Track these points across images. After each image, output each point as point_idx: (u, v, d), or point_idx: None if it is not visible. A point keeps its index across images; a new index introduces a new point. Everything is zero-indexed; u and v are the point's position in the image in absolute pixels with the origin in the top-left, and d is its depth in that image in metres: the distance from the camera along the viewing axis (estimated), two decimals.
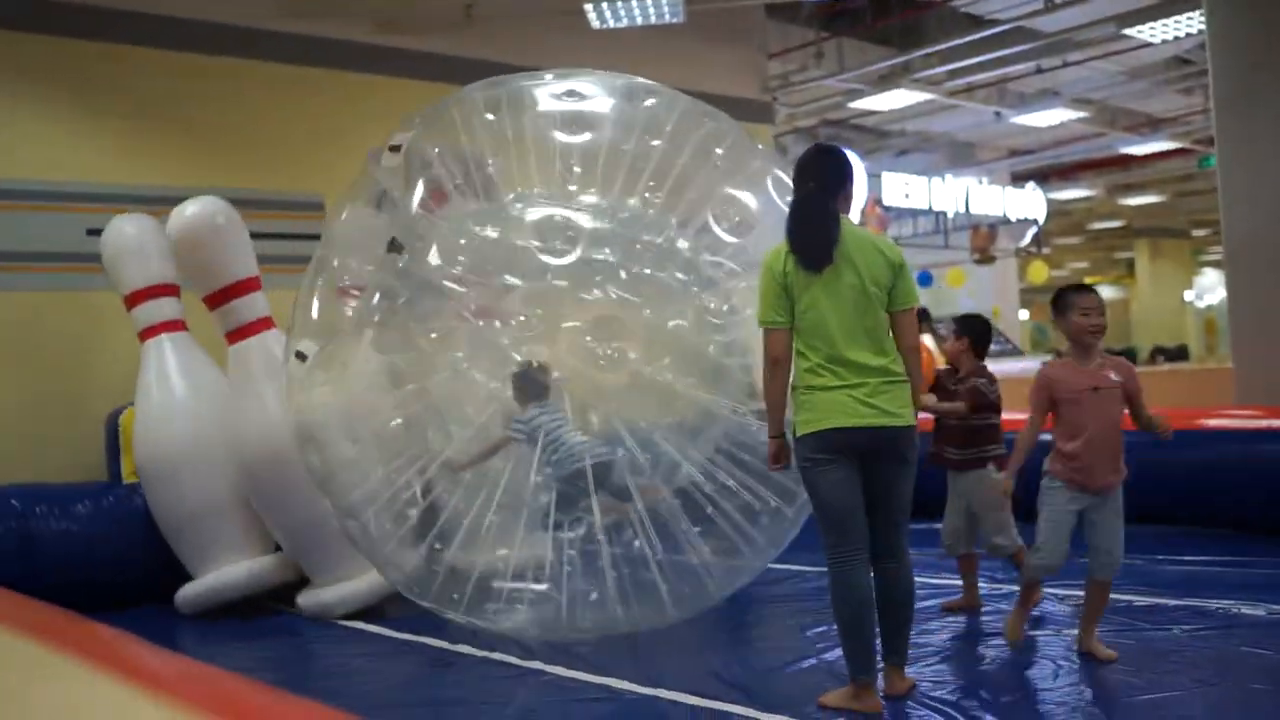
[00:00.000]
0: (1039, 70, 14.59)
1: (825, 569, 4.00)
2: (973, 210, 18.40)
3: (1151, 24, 11.63)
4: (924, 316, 9.40)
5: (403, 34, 8.68)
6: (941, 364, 10.80)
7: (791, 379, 4.02)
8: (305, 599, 6.10)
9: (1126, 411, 4.36)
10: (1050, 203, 20.80)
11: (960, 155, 20.16)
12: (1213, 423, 7.00)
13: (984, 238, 19.66)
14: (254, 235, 6.47)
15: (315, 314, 5.22)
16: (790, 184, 4.30)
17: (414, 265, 4.97)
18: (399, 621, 5.70)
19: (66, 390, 7.09)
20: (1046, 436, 4.43)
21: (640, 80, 5.36)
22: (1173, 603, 5.12)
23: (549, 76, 5.30)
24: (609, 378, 5.01)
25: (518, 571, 4.88)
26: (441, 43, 8.78)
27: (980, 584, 5.45)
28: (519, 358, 5.00)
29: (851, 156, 4.32)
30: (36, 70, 7.23)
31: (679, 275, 5.04)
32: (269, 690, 1.54)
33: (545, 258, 4.89)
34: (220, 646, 5.52)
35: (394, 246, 4.97)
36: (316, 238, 5.48)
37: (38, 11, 7.24)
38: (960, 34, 12.52)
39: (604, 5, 9.22)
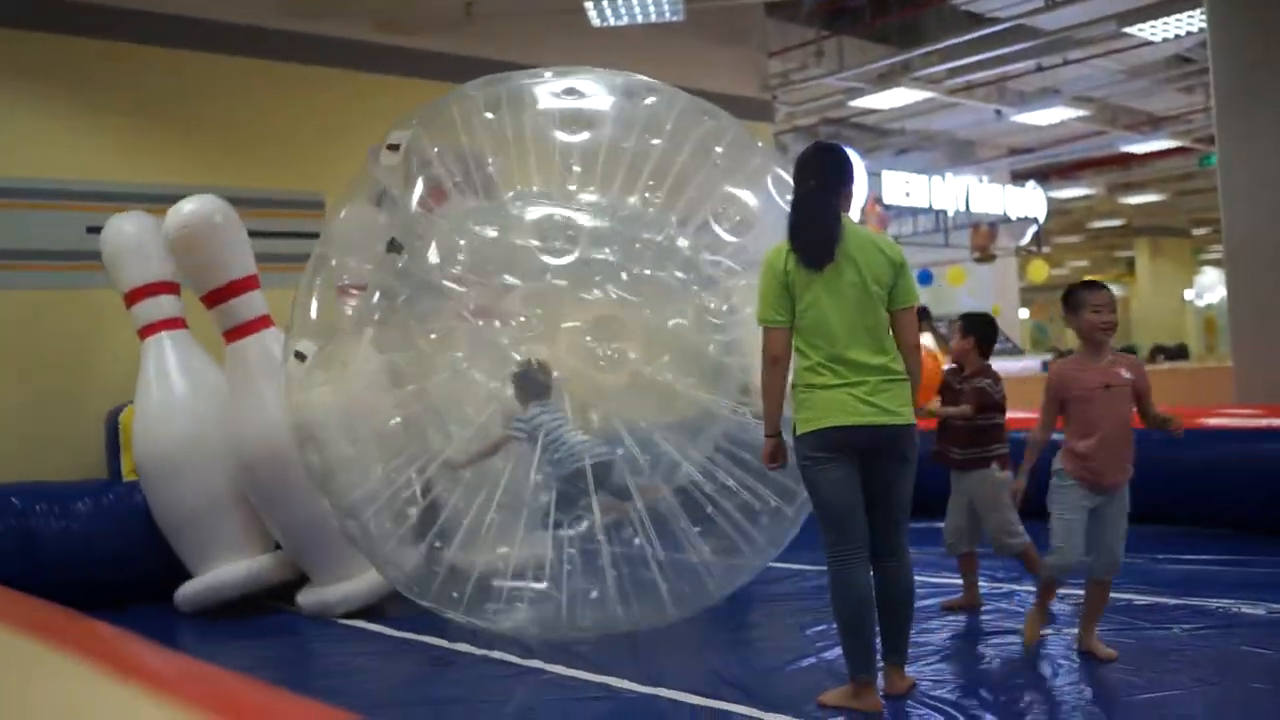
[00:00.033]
0: (1039, 68, 14.59)
1: (825, 568, 4.00)
2: (973, 209, 18.40)
3: (1152, 22, 11.64)
4: (924, 315, 9.39)
5: (403, 33, 8.67)
6: (941, 362, 10.79)
7: (791, 377, 4.02)
8: (305, 597, 6.10)
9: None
10: (1050, 201, 20.80)
11: (960, 154, 20.16)
12: (1213, 422, 7.00)
13: (984, 236, 19.65)
14: (255, 234, 6.46)
15: (314, 313, 5.22)
16: (790, 182, 4.30)
17: (413, 265, 4.96)
18: (399, 620, 5.70)
19: (66, 389, 7.09)
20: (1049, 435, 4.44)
21: (640, 78, 5.36)
22: (1173, 602, 5.12)
23: (548, 74, 5.30)
24: (609, 378, 5.01)
25: (518, 570, 4.88)
26: (442, 41, 8.78)
27: (980, 583, 5.44)
28: (519, 357, 5.00)
29: (852, 155, 4.32)
30: (36, 68, 7.22)
31: (679, 274, 5.04)
32: (269, 689, 1.53)
33: (545, 257, 4.89)
34: (220, 645, 5.52)
35: (393, 247, 4.97)
36: (317, 236, 5.48)
37: (38, 9, 7.24)
38: (960, 32, 12.51)
39: (604, 3, 9.22)
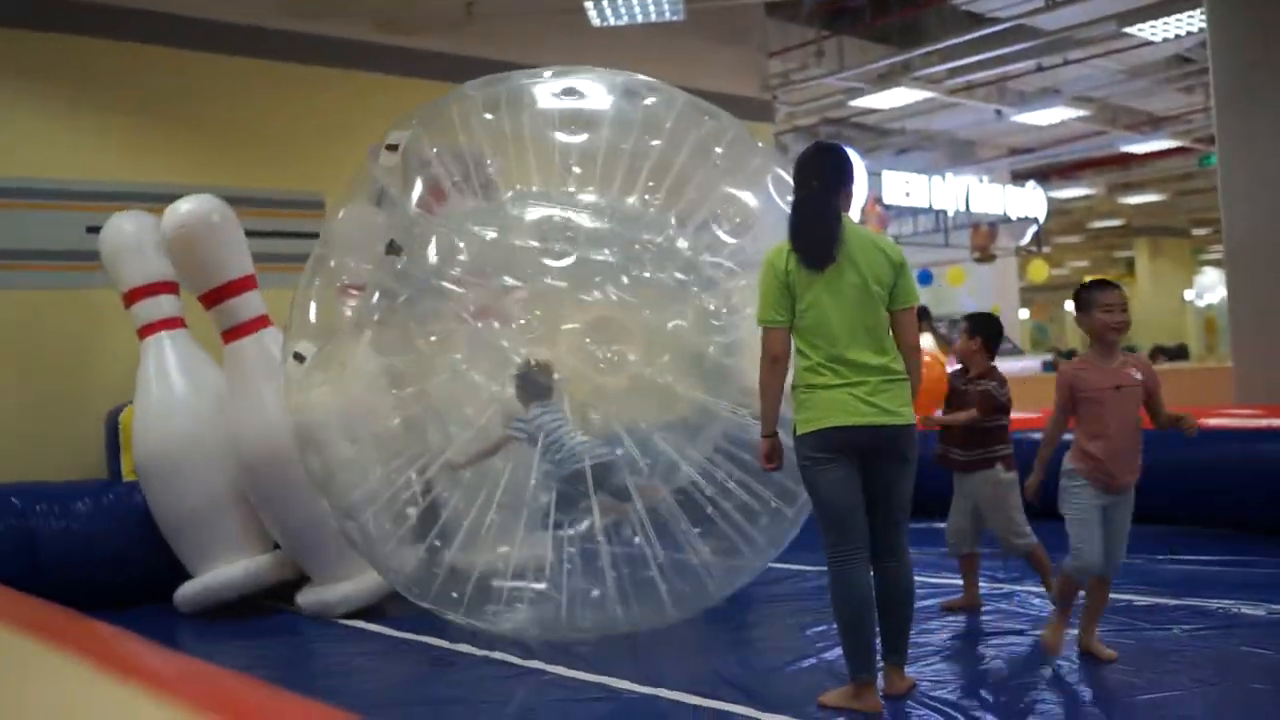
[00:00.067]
0: (1039, 68, 14.59)
1: (825, 568, 4.00)
2: (973, 209, 18.40)
3: (1152, 22, 11.64)
4: (924, 315, 9.39)
5: (403, 32, 8.67)
6: (942, 361, 10.78)
7: (791, 378, 4.02)
8: (305, 598, 6.09)
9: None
10: (1050, 201, 20.80)
11: (960, 154, 20.16)
12: (1213, 422, 6.99)
13: (984, 236, 19.65)
14: (256, 234, 6.46)
15: (313, 315, 5.21)
16: (791, 183, 4.29)
17: (412, 266, 4.96)
18: (399, 620, 5.70)
19: (66, 389, 7.09)
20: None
21: (640, 77, 5.35)
22: (1173, 602, 5.11)
23: (547, 74, 5.29)
24: (609, 380, 5.00)
25: (518, 571, 4.88)
26: (442, 41, 8.78)
27: (980, 584, 5.44)
28: (521, 358, 4.99)
29: (852, 155, 4.31)
30: (37, 68, 7.22)
31: (679, 275, 5.03)
32: (268, 688, 1.53)
33: (544, 259, 4.88)
34: (219, 645, 5.52)
35: (392, 249, 4.96)
36: (318, 236, 5.47)
37: (38, 9, 7.23)
38: (960, 32, 12.52)
39: (604, 3, 9.22)
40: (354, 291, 5.17)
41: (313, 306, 5.23)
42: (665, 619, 4.91)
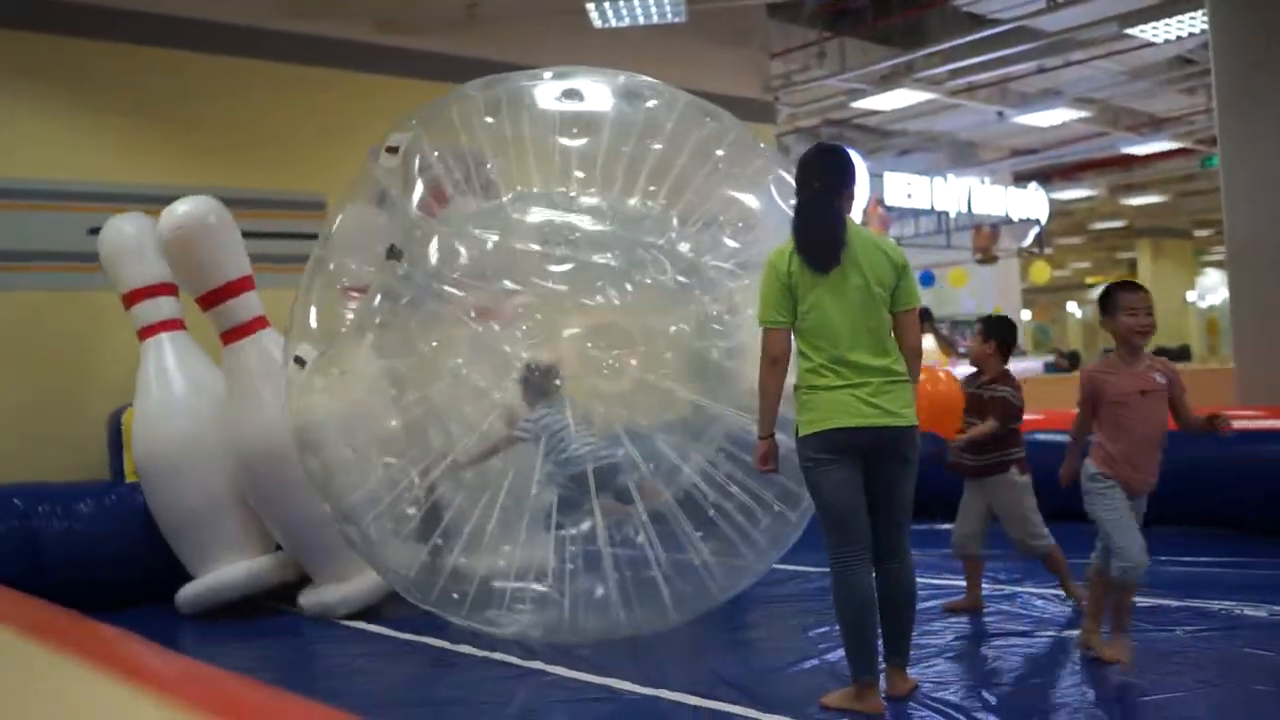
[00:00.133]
0: (1041, 70, 14.59)
1: (827, 569, 3.99)
2: (975, 210, 18.40)
3: (1154, 24, 11.64)
4: (926, 316, 9.39)
5: (405, 33, 8.68)
6: (944, 363, 10.73)
7: (792, 379, 4.02)
8: (307, 598, 6.09)
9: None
10: (1052, 203, 20.79)
11: (962, 155, 20.16)
12: None
13: (986, 238, 19.65)
14: (256, 235, 6.46)
15: (314, 317, 5.21)
16: (793, 184, 4.29)
17: (413, 270, 4.95)
18: (400, 621, 5.70)
19: (67, 389, 7.09)
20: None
21: (641, 78, 5.33)
22: (1175, 604, 5.10)
23: (548, 75, 5.27)
24: (612, 386, 5.00)
25: (520, 572, 4.88)
26: (444, 42, 8.78)
27: (983, 585, 5.43)
28: (525, 359, 4.99)
29: (854, 156, 4.31)
30: (36, 68, 7.22)
31: (681, 279, 5.02)
32: (269, 690, 1.53)
33: (546, 263, 4.88)
34: (221, 646, 5.51)
35: (393, 253, 4.96)
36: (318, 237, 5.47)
37: (38, 9, 7.24)
38: (962, 33, 12.51)
39: (606, 5, 9.22)
40: (355, 294, 5.17)
41: (313, 310, 5.22)
42: (667, 621, 4.91)
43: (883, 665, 4.01)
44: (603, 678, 4.46)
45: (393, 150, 5.10)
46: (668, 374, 4.98)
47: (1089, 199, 25.56)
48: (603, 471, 4.86)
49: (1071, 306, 37.17)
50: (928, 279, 19.05)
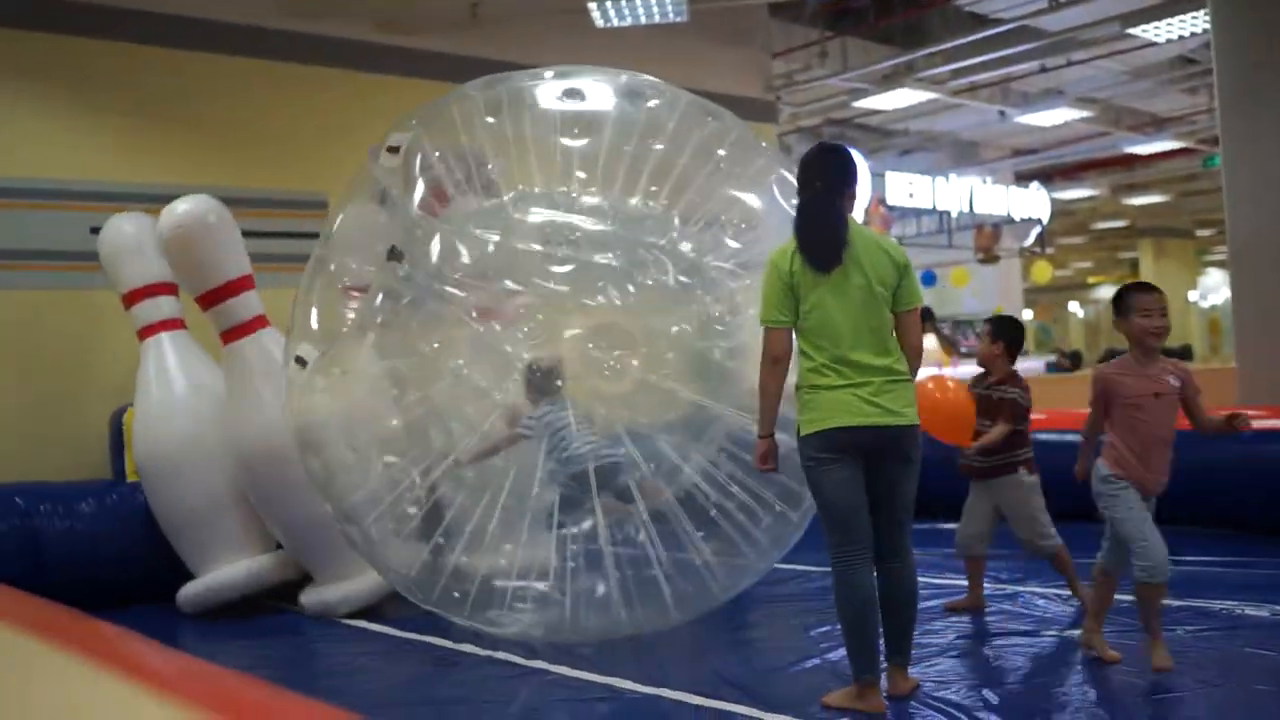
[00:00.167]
0: (1043, 69, 14.58)
1: (829, 569, 3.99)
2: (976, 210, 18.40)
3: (1156, 23, 11.63)
4: (928, 316, 9.37)
5: (407, 33, 8.67)
6: (945, 363, 10.73)
7: (793, 378, 4.02)
8: (308, 597, 6.09)
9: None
10: (1054, 202, 20.79)
11: (964, 155, 20.16)
12: None
13: (988, 237, 19.64)
14: (258, 234, 6.46)
15: (314, 317, 5.20)
16: (794, 184, 4.29)
17: (414, 271, 4.95)
18: (402, 620, 5.70)
19: (67, 389, 7.09)
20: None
21: (643, 77, 5.33)
22: (1176, 604, 5.09)
23: (549, 74, 5.27)
24: (613, 387, 5.00)
25: (522, 571, 4.88)
26: (446, 41, 8.77)
27: (984, 584, 5.43)
28: (528, 359, 4.99)
29: (856, 156, 4.31)
30: (37, 68, 7.22)
31: (682, 279, 5.02)
32: (270, 688, 1.53)
33: (547, 264, 4.87)
34: (222, 645, 5.51)
35: (394, 255, 4.96)
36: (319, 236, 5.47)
37: (38, 9, 7.24)
38: (964, 33, 12.52)
39: (608, 4, 9.22)
40: (355, 293, 5.17)
41: (314, 310, 5.22)
42: (669, 621, 4.91)
43: (884, 664, 4.01)
44: (604, 677, 4.46)
45: (393, 150, 5.10)
46: (669, 374, 4.98)
47: (1091, 199, 25.56)
48: (604, 470, 4.87)
49: (1073, 306, 37.19)
50: (929, 279, 19.04)
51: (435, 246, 4.98)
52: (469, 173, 5.08)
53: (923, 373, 4.44)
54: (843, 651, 4.05)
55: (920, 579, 4.13)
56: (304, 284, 5.30)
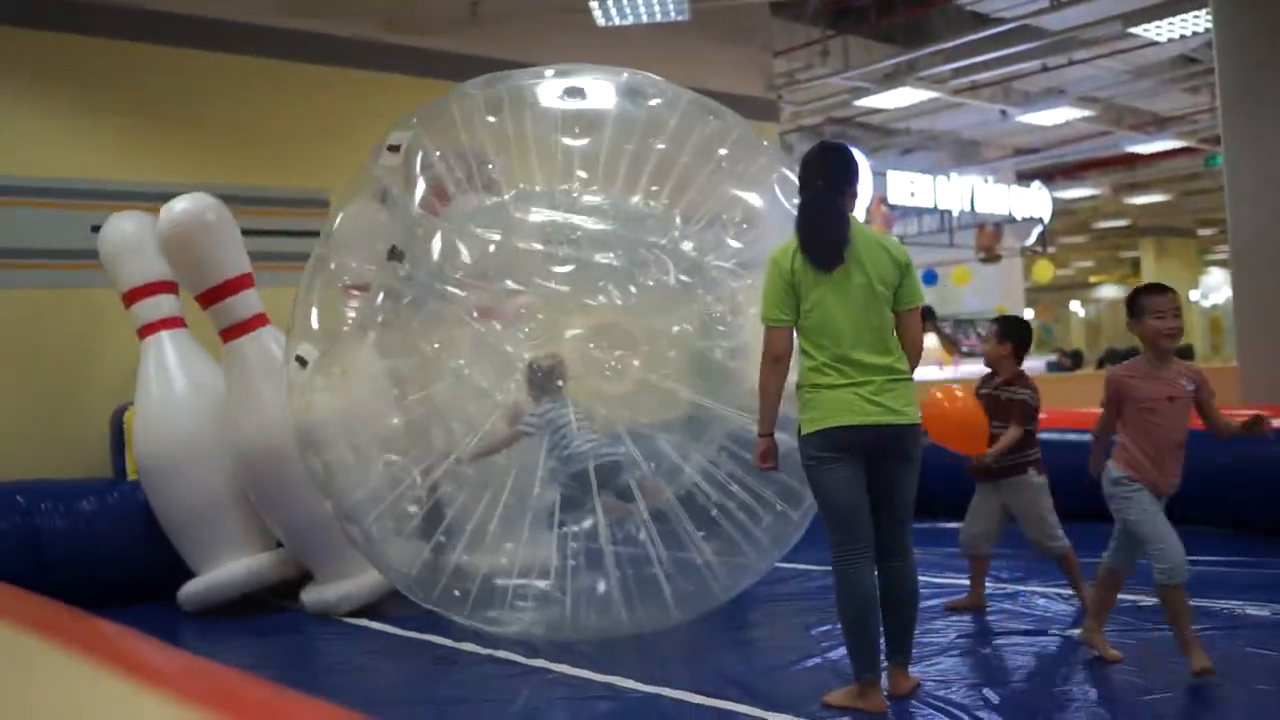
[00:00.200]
0: (1044, 69, 14.57)
1: (830, 568, 3.99)
2: (978, 209, 18.37)
3: (1157, 22, 11.63)
4: (929, 315, 9.36)
5: (408, 32, 8.67)
6: (946, 362, 10.71)
7: (794, 377, 4.02)
8: (308, 595, 6.09)
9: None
10: (1056, 201, 20.77)
11: (965, 154, 20.14)
12: None
13: (989, 236, 19.62)
14: (258, 232, 6.46)
15: (315, 316, 5.20)
16: (796, 182, 4.29)
17: (415, 270, 4.95)
18: (402, 619, 5.70)
19: (67, 388, 7.09)
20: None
21: (644, 75, 5.33)
22: None
23: (550, 73, 5.27)
24: (614, 387, 5.00)
25: (522, 570, 4.88)
26: (447, 40, 8.77)
27: (985, 584, 5.43)
28: (529, 358, 4.99)
29: (857, 154, 4.30)
30: (37, 66, 7.22)
31: (683, 278, 5.02)
32: (271, 686, 1.53)
33: (548, 263, 4.87)
34: (223, 643, 5.52)
35: (394, 254, 4.95)
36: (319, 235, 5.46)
37: (38, 8, 7.23)
38: (966, 32, 12.50)
39: (609, 3, 9.21)
40: (356, 292, 5.17)
41: (314, 309, 5.22)
42: (669, 620, 4.91)
43: (885, 663, 4.01)
44: (605, 676, 4.45)
45: (394, 149, 5.10)
46: (670, 374, 4.98)
47: (1092, 198, 25.54)
48: (604, 469, 4.87)
49: (1075, 306, 37.18)
50: (931, 278, 19.03)
51: (436, 246, 4.98)
52: (470, 171, 5.08)
53: (923, 373, 4.43)
54: (843, 650, 4.05)
55: (921, 578, 4.13)
56: (304, 283, 5.29)
